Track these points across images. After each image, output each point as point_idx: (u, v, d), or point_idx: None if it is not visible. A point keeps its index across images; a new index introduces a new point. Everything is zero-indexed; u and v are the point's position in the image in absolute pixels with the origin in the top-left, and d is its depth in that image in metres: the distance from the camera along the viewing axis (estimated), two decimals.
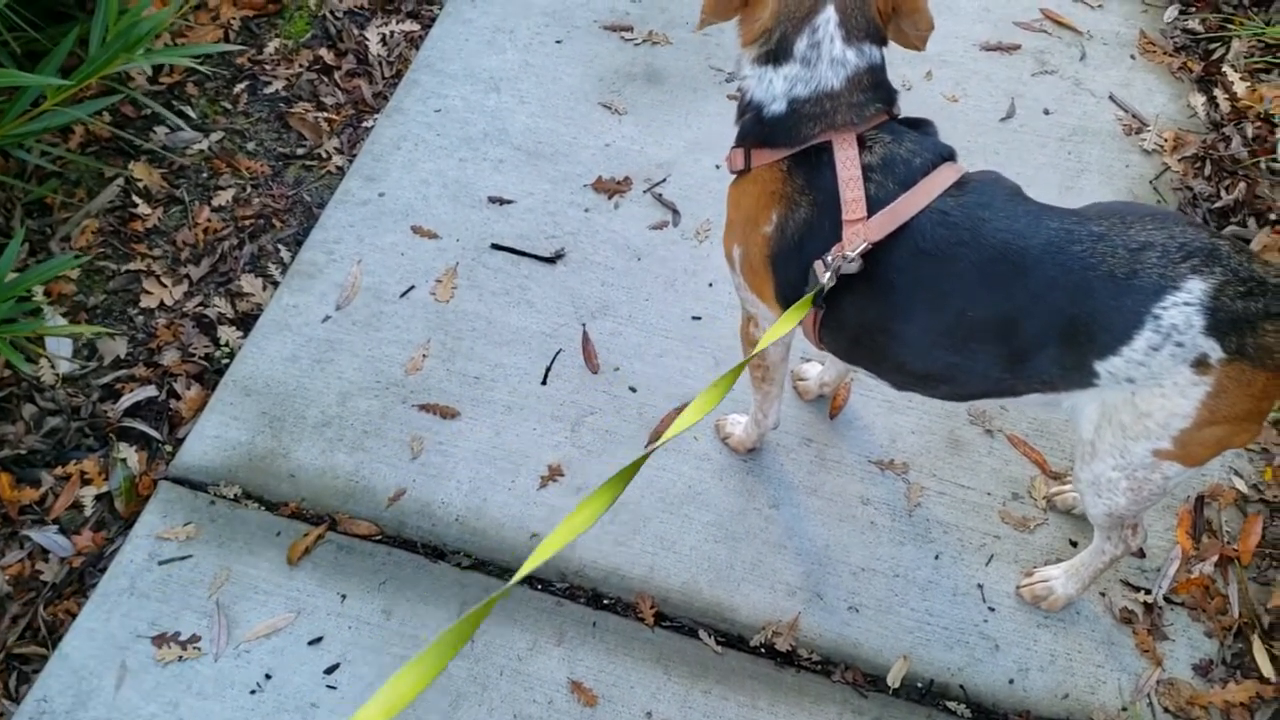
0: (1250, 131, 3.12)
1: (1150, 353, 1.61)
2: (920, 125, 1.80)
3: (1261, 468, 2.48)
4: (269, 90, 3.20)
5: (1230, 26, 3.40)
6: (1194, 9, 3.52)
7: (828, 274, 1.66)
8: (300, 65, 3.26)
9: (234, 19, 3.37)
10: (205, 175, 3.00)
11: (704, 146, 3.01)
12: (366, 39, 3.32)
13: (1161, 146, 3.11)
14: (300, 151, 3.06)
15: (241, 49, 3.29)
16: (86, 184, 2.93)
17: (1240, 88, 3.24)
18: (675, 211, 2.87)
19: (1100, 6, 3.49)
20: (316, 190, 2.96)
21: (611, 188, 2.92)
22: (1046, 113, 3.16)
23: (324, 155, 3.04)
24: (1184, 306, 1.57)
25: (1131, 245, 1.61)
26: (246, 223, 2.89)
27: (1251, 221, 2.92)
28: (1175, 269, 1.58)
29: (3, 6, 2.43)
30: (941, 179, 1.69)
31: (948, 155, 1.75)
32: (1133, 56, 3.36)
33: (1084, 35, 3.39)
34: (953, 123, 3.10)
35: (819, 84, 1.69)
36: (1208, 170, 3.05)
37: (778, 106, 1.72)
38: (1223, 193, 3.00)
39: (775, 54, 1.71)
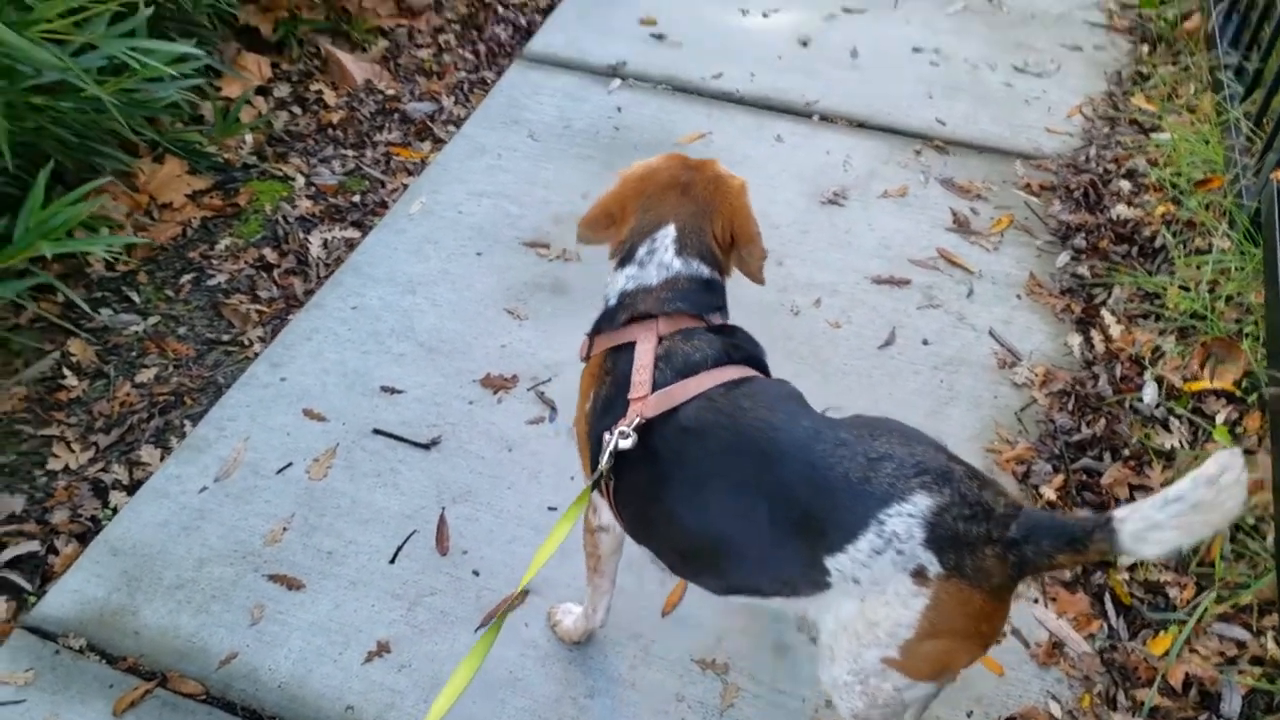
0: (1119, 371, 3.27)
1: (873, 555, 1.72)
2: (728, 331, 2.03)
3: (1079, 694, 2.51)
4: (212, 282, 3.51)
5: (1115, 274, 3.61)
6: (1084, 256, 3.74)
7: (612, 441, 1.84)
8: (245, 262, 3.58)
9: (195, 218, 3.72)
10: (135, 354, 3.27)
11: None
12: (309, 242, 3.65)
13: (1032, 381, 3.26)
14: (225, 338, 3.33)
15: (193, 244, 3.63)
16: (26, 355, 3.21)
17: (1116, 330, 3.42)
18: (554, 409, 3.06)
19: (995, 249, 3.73)
20: (231, 373, 3.20)
21: (498, 383, 3.13)
22: (925, 343, 3.35)
23: (246, 343, 3.31)
24: (907, 517, 1.69)
25: (872, 454, 1.75)
26: (161, 398, 3.13)
27: (1107, 455, 3.03)
28: (906, 482, 1.71)
29: None
30: (721, 374, 1.89)
31: (742, 359, 1.97)
32: (1019, 296, 3.56)
33: (975, 274, 3.62)
34: (833, 347, 3.29)
35: (641, 281, 2.00)
36: (1072, 405, 3.19)
37: (613, 300, 2.03)
38: (1083, 427, 3.12)
39: (624, 259, 2.03)
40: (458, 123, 4.24)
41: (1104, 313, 3.49)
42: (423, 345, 3.24)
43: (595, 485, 1.92)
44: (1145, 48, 4.83)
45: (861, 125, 4.30)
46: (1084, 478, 2.99)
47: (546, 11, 4.94)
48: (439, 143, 4.14)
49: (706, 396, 1.86)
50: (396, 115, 4.28)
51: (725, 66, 4.54)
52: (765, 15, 4.91)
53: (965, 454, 3.02)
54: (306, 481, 2.85)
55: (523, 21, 4.87)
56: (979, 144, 4.18)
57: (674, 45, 4.68)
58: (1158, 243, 3.73)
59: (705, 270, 2.02)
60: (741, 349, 2.00)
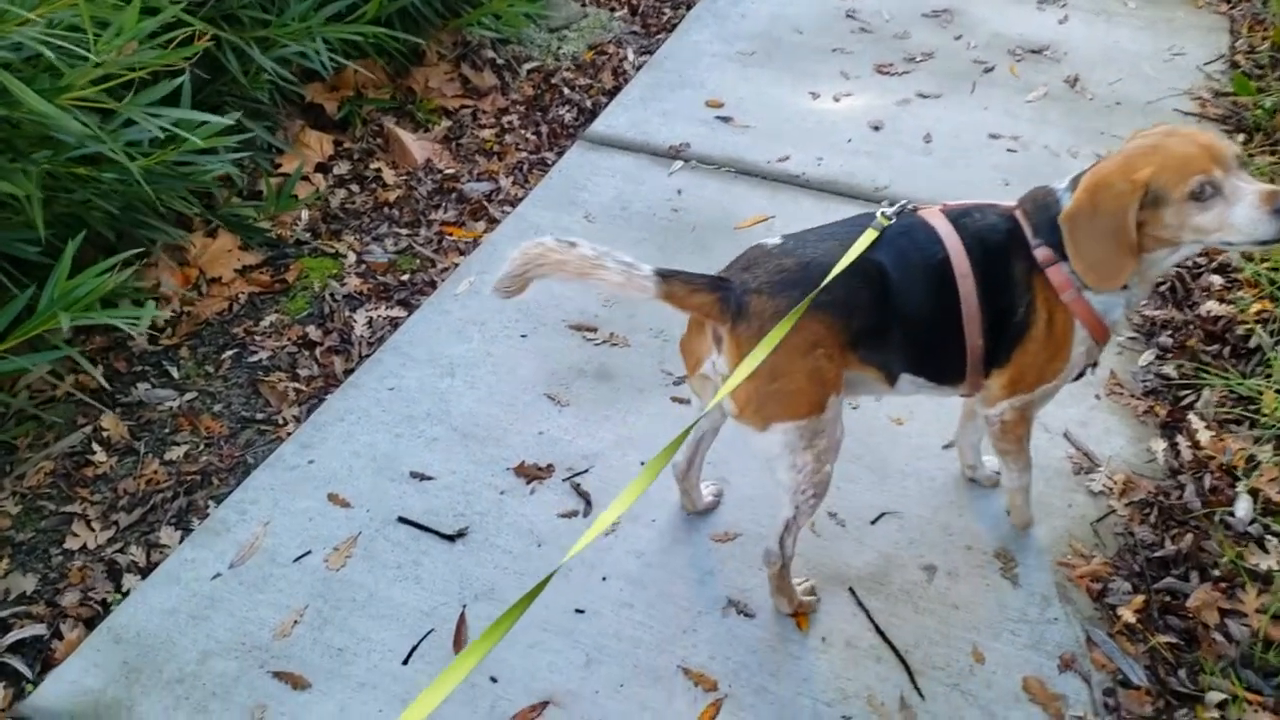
0: (1209, 482, 2.99)
1: None
2: None
3: None
4: (253, 358, 3.43)
5: (1205, 375, 3.34)
6: (1170, 355, 3.48)
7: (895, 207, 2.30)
8: (288, 339, 3.50)
9: (242, 293, 3.67)
10: (167, 430, 3.18)
11: (634, 443, 3.05)
12: (354, 320, 3.56)
13: (1110, 489, 3.00)
14: (260, 417, 3.23)
15: (239, 319, 3.57)
16: (58, 429, 3.15)
17: (1205, 436, 3.14)
18: (588, 503, 2.88)
19: None
20: (262, 453, 3.10)
21: (532, 473, 2.97)
22: None
23: (280, 421, 3.21)
24: None
25: None
26: (188, 477, 3.04)
27: (1193, 575, 2.75)
28: None
29: None
30: None
31: None
32: (1098, 396, 3.31)
33: None
34: (894, 445, 3.08)
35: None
36: (1155, 517, 2.92)
37: None
38: (1167, 542, 2.85)
39: None
40: (514, 202, 4.16)
41: (1192, 417, 3.21)
42: (457, 430, 3.11)
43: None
44: (1241, 137, 4.58)
45: None
46: (1167, 599, 2.71)
47: (612, 94, 4.87)
48: (493, 222, 4.05)
49: None
50: (453, 194, 4.22)
51: (791, 150, 4.41)
52: (836, 99, 4.78)
53: (1035, 567, 2.78)
54: (324, 571, 2.70)
55: (588, 104, 4.81)
56: None
57: (740, 128, 4.56)
58: (1252, 343, 3.45)
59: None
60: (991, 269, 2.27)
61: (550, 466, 3.00)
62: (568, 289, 3.65)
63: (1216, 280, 3.74)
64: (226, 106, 3.72)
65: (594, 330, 3.48)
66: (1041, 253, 2.20)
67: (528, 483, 2.96)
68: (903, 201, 2.30)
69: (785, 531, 2.43)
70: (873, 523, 2.87)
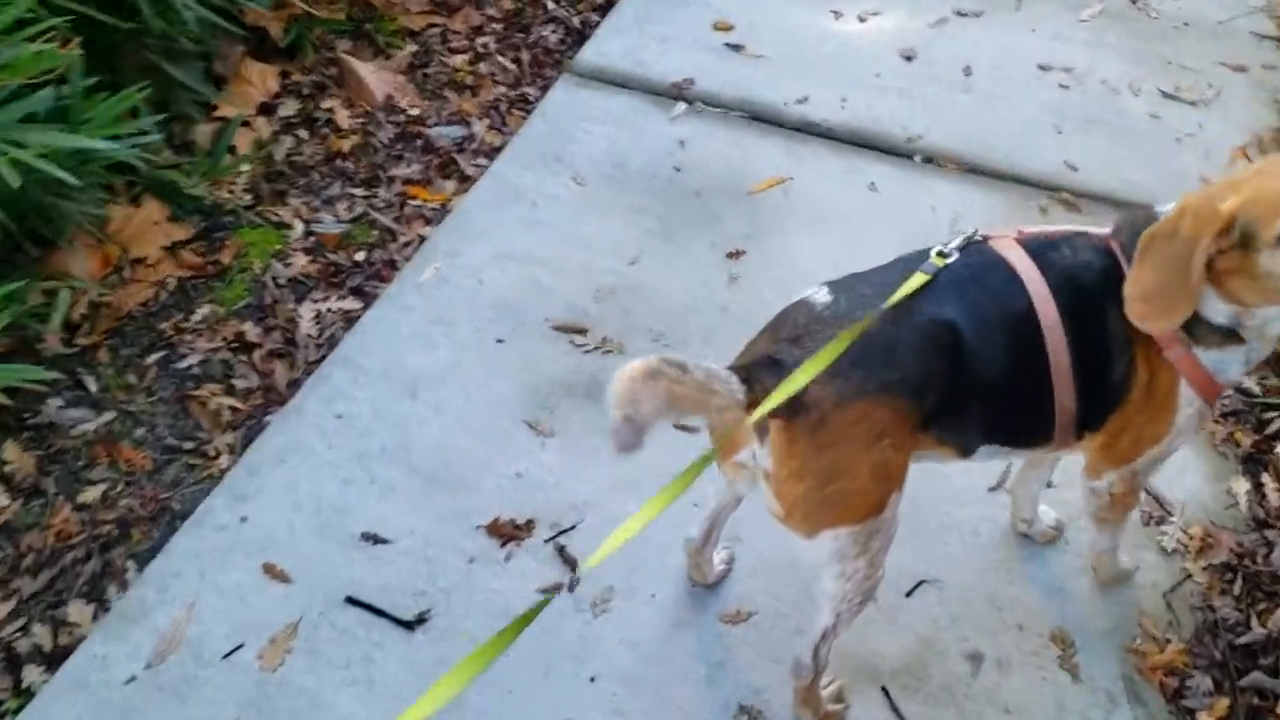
0: None
1: None
2: None
3: None
4: (182, 364, 2.94)
5: None
6: None
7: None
8: (222, 339, 2.99)
9: (171, 278, 3.14)
10: (81, 464, 2.72)
11: (633, 487, 2.58)
12: (299, 315, 3.04)
13: (1185, 546, 2.55)
14: (189, 446, 2.76)
15: (167, 311, 3.05)
16: None
17: None
18: (574, 570, 2.43)
19: None
20: (189, 496, 2.64)
21: (508, 532, 2.51)
22: (1049, 485, 2.64)
23: (212, 453, 2.74)
24: None
25: None
26: (103, 529, 2.58)
27: None
28: None
29: None
30: None
31: None
32: None
33: None
34: (931, 491, 2.61)
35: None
36: (1238, 587, 2.48)
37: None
38: (1253, 620, 2.42)
39: None
40: (490, 154, 3.58)
41: (1278, 447, 2.74)
42: (418, 471, 2.63)
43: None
44: None
45: (974, 170, 3.54)
46: (1255, 700, 2.29)
47: (605, 8, 4.21)
48: (465, 181, 3.48)
49: None
50: (419, 142, 3.63)
51: (812, 87, 3.80)
52: (862, 20, 4.13)
53: (1099, 653, 2.35)
54: (257, 672, 2.27)
55: (575, 22, 4.16)
56: (1119, 198, 3.41)
57: (752, 58, 3.94)
58: None
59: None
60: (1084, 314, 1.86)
61: (530, 523, 2.54)
62: (554, 276, 3.13)
63: None
64: (142, 57, 3.10)
65: (583, 332, 2.97)
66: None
67: (502, 545, 2.50)
68: (969, 231, 1.87)
69: (821, 641, 2.03)
70: (908, 595, 2.44)
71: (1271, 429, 2.81)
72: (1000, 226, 1.95)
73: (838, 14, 4.17)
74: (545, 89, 3.86)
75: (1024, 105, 3.79)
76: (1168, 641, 2.39)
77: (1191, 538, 2.57)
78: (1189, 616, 2.43)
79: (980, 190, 3.47)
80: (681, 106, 3.72)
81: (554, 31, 4.15)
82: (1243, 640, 2.40)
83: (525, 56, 4.00)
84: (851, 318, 1.70)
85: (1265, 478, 2.71)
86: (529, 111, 3.76)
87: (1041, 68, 3.96)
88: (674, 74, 3.85)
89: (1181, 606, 2.44)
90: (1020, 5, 4.25)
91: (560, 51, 4.05)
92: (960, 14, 4.19)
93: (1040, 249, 1.84)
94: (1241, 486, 2.69)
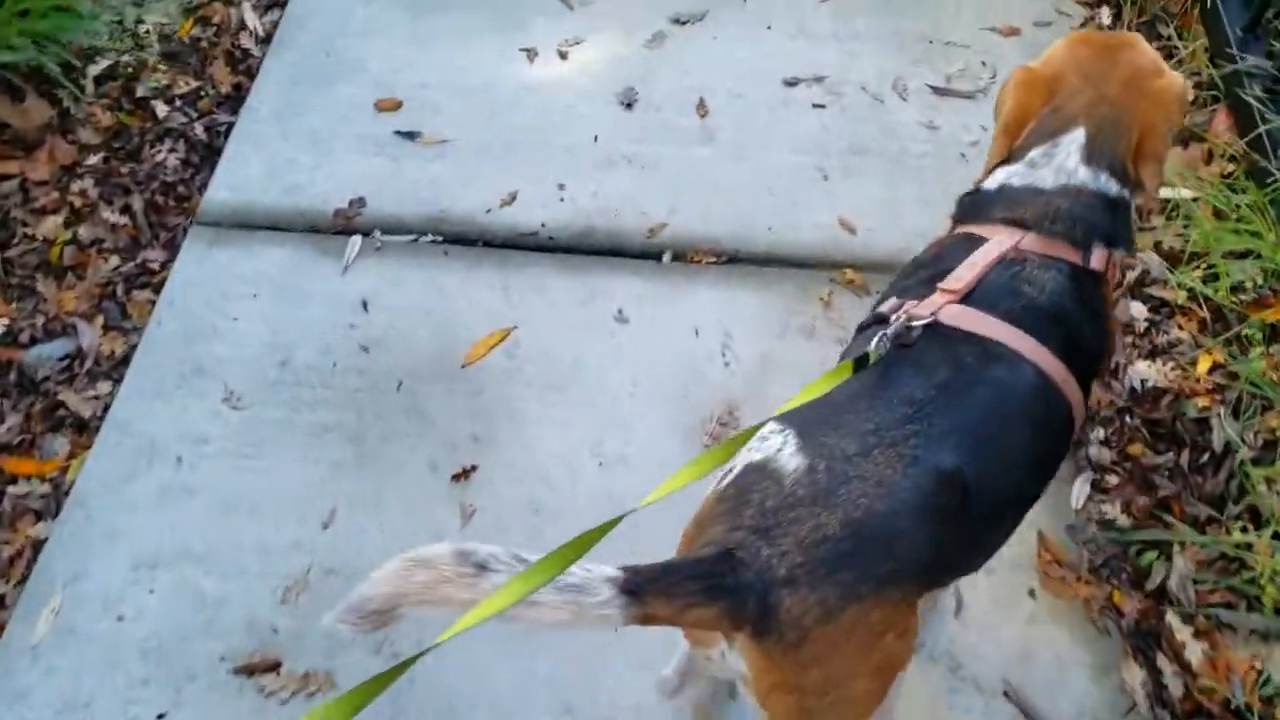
0: None
1: None
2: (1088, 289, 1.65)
3: None
4: None
5: (1167, 519, 2.32)
6: (1112, 481, 2.43)
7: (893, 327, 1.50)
8: None
9: None
10: None
11: None
12: None
13: None
14: None
15: None
16: None
17: (1195, 653, 2.16)
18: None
19: None
20: None
21: None
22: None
23: None
24: None
25: None
26: None
27: None
28: None
29: None
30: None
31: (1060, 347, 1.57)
32: (1032, 593, 2.29)
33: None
34: None
35: (1031, 180, 1.70)
36: None
37: (992, 186, 1.75)
38: None
39: (1010, 158, 1.75)
40: (112, 373, 2.65)
41: (1170, 617, 2.22)
42: None
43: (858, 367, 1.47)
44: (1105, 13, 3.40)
45: (734, 259, 2.84)
46: None
47: (235, 100, 3.23)
48: (83, 432, 2.55)
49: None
50: (11, 377, 2.66)
51: (518, 176, 2.99)
52: (563, 55, 3.29)
53: None
54: None
55: (198, 131, 3.18)
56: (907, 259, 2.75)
57: (433, 146, 3.07)
58: (1214, 437, 2.45)
59: (1115, 187, 1.68)
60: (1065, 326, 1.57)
61: None
62: (219, 580, 2.29)
63: (1138, 310, 2.67)
64: None
65: (275, 669, 2.19)
66: (1099, 257, 1.65)
67: None
68: (900, 319, 1.54)
69: None
70: None
71: (1154, 581, 2.28)
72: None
73: (531, 54, 3.30)
74: (172, 246, 2.90)
75: (778, 147, 3.08)
76: None
77: None
78: None
79: (748, 288, 2.78)
80: (355, 245, 2.84)
81: (172, 151, 3.15)
82: None
83: (138, 202, 3.01)
84: (834, 497, 1.35)
85: (1160, 658, 2.18)
86: (155, 284, 2.82)
87: (788, 83, 3.23)
88: (337, 195, 2.95)
89: None
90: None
91: (185, 180, 3.08)
92: (679, 22, 3.40)
93: (999, 301, 1.57)
94: (1135, 677, 2.16)
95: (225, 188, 2.97)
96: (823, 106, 3.17)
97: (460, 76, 3.24)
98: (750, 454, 1.42)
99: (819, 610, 1.31)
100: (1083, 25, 3.37)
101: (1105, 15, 3.36)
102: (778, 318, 2.73)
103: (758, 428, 1.43)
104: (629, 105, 3.16)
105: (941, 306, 1.53)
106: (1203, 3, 3.09)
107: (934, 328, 1.52)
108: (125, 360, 2.69)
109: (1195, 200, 2.82)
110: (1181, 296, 2.67)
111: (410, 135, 3.08)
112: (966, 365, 1.48)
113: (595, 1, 3.45)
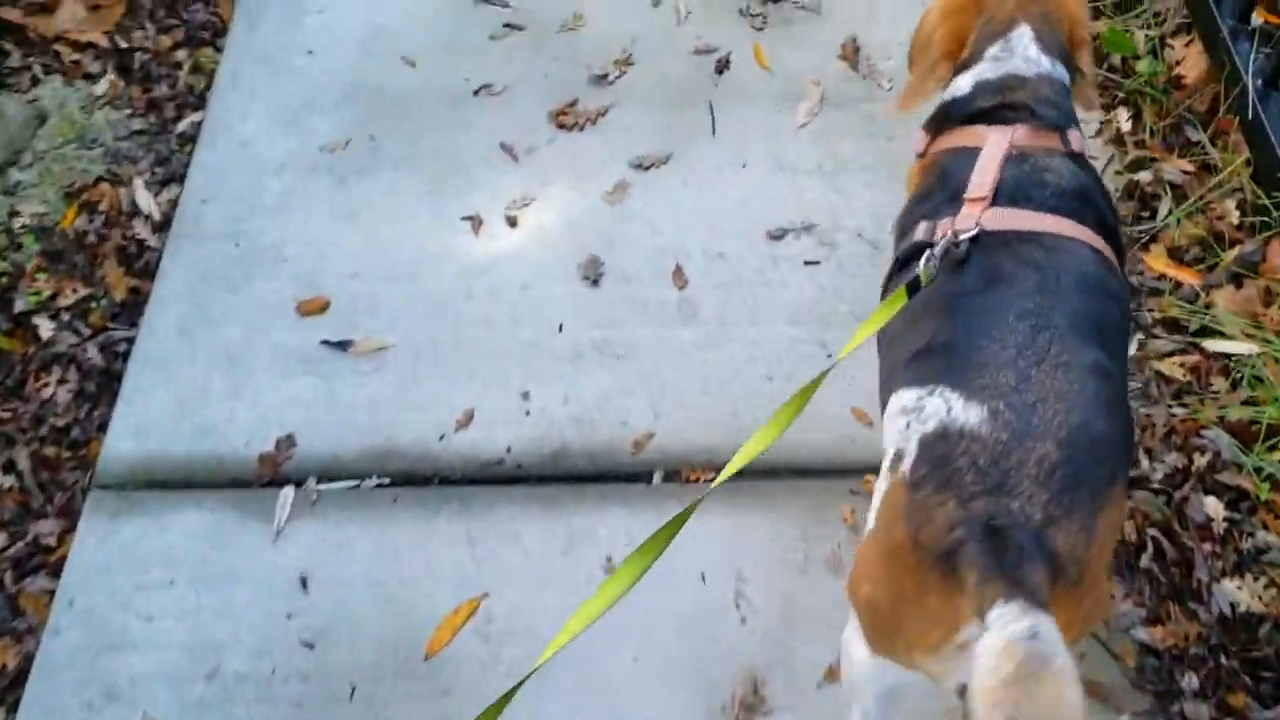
0: None
1: None
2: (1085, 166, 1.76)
3: None
4: None
5: None
6: None
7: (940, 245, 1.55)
8: None
9: None
10: None
11: None
12: None
13: None
14: None
15: None
16: None
17: None
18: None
19: None
20: None
21: None
22: None
23: None
24: None
25: None
26: None
27: None
28: None
29: None
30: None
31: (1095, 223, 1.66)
32: None
33: None
34: None
35: (1007, 69, 1.77)
36: None
37: (960, 90, 1.82)
38: None
39: (966, 63, 1.83)
40: (5, 696, 2.18)
41: None
42: None
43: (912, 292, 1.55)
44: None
45: (738, 472, 2.38)
46: None
47: (133, 307, 2.76)
48: None
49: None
50: None
51: (472, 385, 2.56)
52: (512, 222, 2.84)
53: None
54: None
55: (94, 355, 2.70)
56: None
57: (369, 357, 2.61)
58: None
59: (1065, 75, 1.82)
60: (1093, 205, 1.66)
61: None
62: None
63: (1213, 509, 2.27)
64: None
65: None
66: (1076, 138, 1.74)
67: None
68: (945, 236, 1.58)
69: None
70: None
71: None
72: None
73: (476, 223, 2.85)
74: (69, 512, 2.43)
75: (769, 319, 2.66)
76: None
77: None
78: None
79: (756, 510, 2.37)
80: (287, 500, 2.39)
81: (62, 382, 2.67)
82: None
83: (25, 461, 2.53)
84: (1044, 424, 1.37)
85: None
86: (57, 572, 2.35)
87: (774, 236, 2.81)
88: (260, 434, 2.49)
89: None
90: (716, 129, 3.02)
91: (80, 420, 2.61)
92: (640, 166, 2.95)
93: (1017, 188, 1.64)
94: None
95: (128, 434, 2.50)
96: (816, 263, 2.75)
97: (396, 259, 2.78)
98: (916, 430, 1.42)
99: (1084, 536, 1.33)
100: (1098, 132, 2.96)
101: (1124, 117, 2.95)
102: (796, 547, 2.32)
103: None
104: (595, 281, 2.72)
105: (981, 213, 1.56)
106: (1242, 107, 2.69)
107: (979, 238, 1.54)
108: (19, 679, 2.21)
109: (1259, 356, 2.43)
110: (1265, 490, 2.27)
111: (341, 345, 2.63)
112: (1041, 264, 1.52)
113: (542, 148, 2.99)
